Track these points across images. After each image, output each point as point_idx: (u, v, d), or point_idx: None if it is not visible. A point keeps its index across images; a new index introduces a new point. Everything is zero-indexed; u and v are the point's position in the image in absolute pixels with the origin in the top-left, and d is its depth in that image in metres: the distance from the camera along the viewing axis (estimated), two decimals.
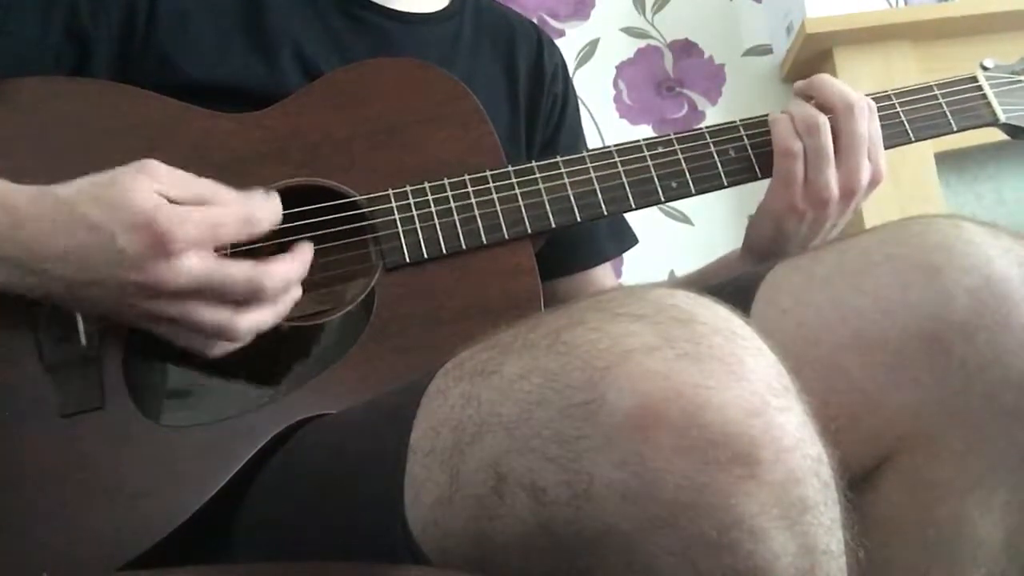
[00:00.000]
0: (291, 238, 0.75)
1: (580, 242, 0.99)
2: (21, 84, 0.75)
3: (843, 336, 0.62)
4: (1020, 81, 0.91)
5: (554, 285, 0.99)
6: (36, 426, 0.67)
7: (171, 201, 0.64)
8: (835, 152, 0.80)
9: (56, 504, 0.65)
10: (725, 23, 1.71)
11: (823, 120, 0.80)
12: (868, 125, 0.80)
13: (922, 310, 0.60)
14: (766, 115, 0.85)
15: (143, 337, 0.71)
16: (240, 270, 0.65)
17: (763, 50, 1.70)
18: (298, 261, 0.69)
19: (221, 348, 0.68)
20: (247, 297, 0.66)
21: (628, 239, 1.06)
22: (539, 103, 1.00)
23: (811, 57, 1.59)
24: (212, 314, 0.65)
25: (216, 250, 0.66)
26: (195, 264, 0.63)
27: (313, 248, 0.71)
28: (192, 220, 0.63)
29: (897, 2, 1.60)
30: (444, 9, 0.96)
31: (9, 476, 0.65)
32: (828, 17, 1.52)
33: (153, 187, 0.64)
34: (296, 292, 0.70)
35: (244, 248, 0.71)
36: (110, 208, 0.63)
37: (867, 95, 0.86)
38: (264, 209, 0.68)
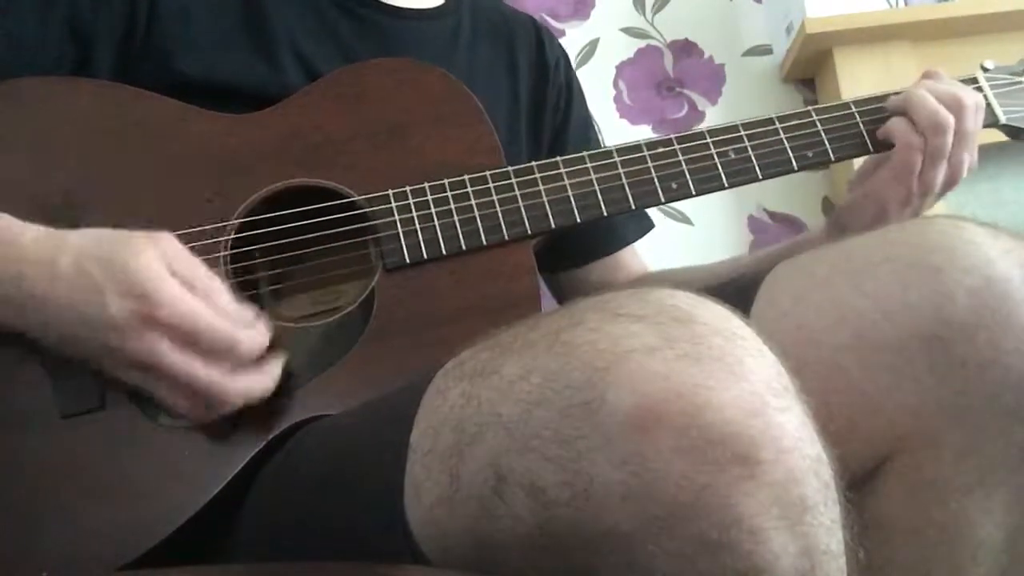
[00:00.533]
0: (290, 239, 0.75)
1: (603, 229, 1.02)
2: (22, 84, 0.76)
3: (843, 336, 0.62)
4: (1020, 82, 0.91)
5: (587, 271, 1.04)
6: (37, 427, 0.67)
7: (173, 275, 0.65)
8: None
9: (56, 504, 0.65)
10: (725, 23, 1.71)
11: (951, 122, 0.82)
12: (977, 122, 0.84)
13: (922, 310, 0.60)
14: (768, 116, 0.85)
15: None
16: (203, 376, 0.65)
17: (763, 50, 1.70)
18: (266, 376, 0.68)
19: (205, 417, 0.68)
20: (206, 400, 0.66)
21: (647, 223, 1.09)
22: (544, 96, 1.01)
23: (811, 57, 1.59)
24: (177, 400, 0.66)
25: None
26: (166, 351, 0.63)
27: (283, 363, 0.69)
28: (182, 308, 0.63)
29: (897, 2, 1.59)
30: (442, 5, 0.96)
31: (9, 477, 0.65)
32: (828, 17, 1.52)
33: (161, 261, 0.64)
34: (275, 372, 0.69)
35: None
36: (112, 270, 0.63)
37: (868, 95, 0.86)
38: (249, 342, 0.66)
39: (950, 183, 0.84)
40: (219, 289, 0.67)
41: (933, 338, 0.60)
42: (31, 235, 0.66)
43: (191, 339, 0.64)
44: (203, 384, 0.65)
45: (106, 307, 0.63)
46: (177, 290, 0.64)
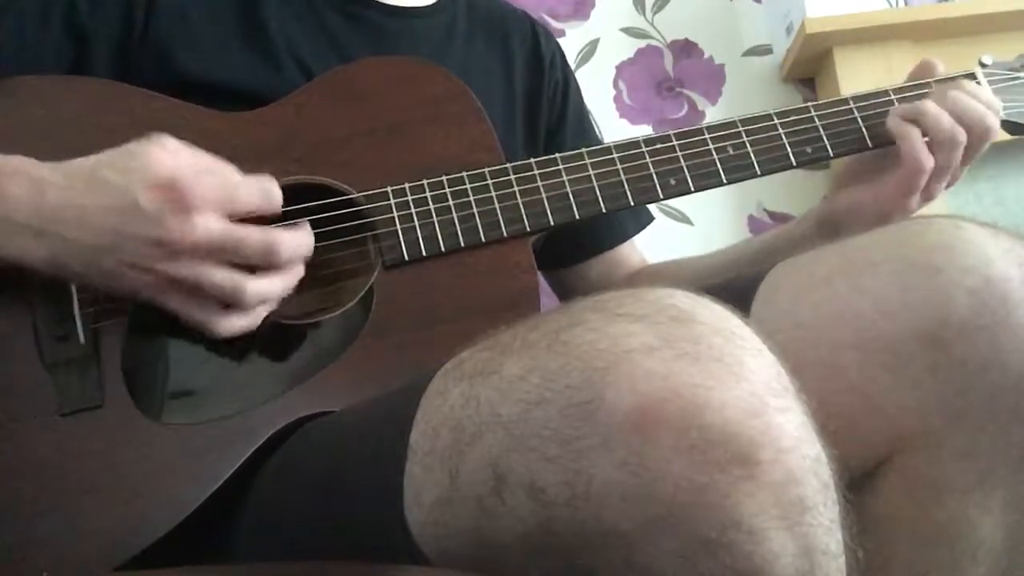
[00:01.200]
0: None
1: (602, 224, 1.02)
2: (20, 83, 0.76)
3: (843, 336, 0.62)
4: (1019, 78, 0.91)
5: (587, 266, 1.04)
6: (35, 425, 0.67)
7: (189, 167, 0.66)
8: None
9: (55, 503, 0.65)
10: (725, 23, 1.71)
11: (963, 138, 0.81)
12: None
13: (922, 310, 0.60)
14: (766, 112, 0.85)
15: (143, 335, 0.71)
16: (256, 232, 0.66)
17: (763, 50, 1.70)
18: (305, 233, 0.70)
19: (228, 324, 0.68)
20: (260, 261, 0.67)
21: (646, 217, 1.09)
22: (540, 92, 1.01)
23: (811, 57, 1.59)
24: (224, 276, 0.66)
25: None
26: (212, 222, 0.64)
27: (310, 227, 0.71)
28: (209, 182, 0.65)
29: (897, 2, 1.59)
30: (437, 3, 0.96)
31: (8, 475, 0.65)
32: (828, 17, 1.52)
33: (171, 156, 0.66)
34: (300, 270, 0.70)
35: None
36: (130, 171, 0.65)
37: (866, 91, 0.86)
38: (275, 187, 0.69)
39: (948, 188, 0.86)
40: (225, 164, 0.68)
41: (933, 338, 0.60)
42: (45, 165, 0.67)
43: (229, 204, 0.66)
44: (256, 240, 0.66)
45: (138, 204, 0.63)
46: (197, 171, 0.65)
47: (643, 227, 1.08)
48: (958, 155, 0.82)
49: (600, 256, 1.05)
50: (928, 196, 0.84)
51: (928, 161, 0.81)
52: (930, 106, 0.82)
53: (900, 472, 0.62)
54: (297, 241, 0.69)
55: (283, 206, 0.75)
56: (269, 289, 0.68)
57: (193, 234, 0.64)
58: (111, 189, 0.64)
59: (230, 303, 0.67)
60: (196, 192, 0.64)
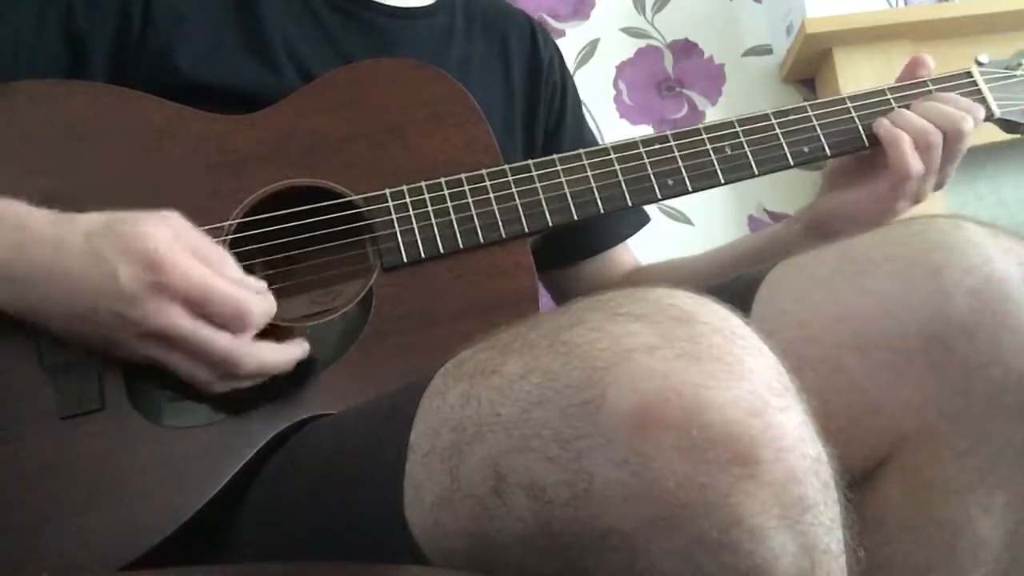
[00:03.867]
0: (288, 240, 0.75)
1: (598, 225, 1.02)
2: (18, 87, 0.75)
3: (843, 336, 0.62)
4: (1015, 76, 0.91)
5: (580, 268, 1.04)
6: (36, 428, 0.67)
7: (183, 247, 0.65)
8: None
9: (56, 505, 0.65)
10: (725, 23, 1.71)
11: (940, 139, 0.82)
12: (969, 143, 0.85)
13: (923, 310, 0.60)
14: (763, 112, 0.85)
15: None
16: (220, 342, 0.65)
17: (763, 50, 1.70)
18: (283, 354, 0.69)
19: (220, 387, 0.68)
20: (222, 369, 0.66)
21: (642, 219, 1.09)
22: (538, 93, 1.01)
23: (811, 57, 1.59)
24: (189, 368, 0.66)
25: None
26: (181, 318, 0.64)
27: (307, 349, 0.70)
28: (194, 276, 0.64)
29: (897, 2, 1.60)
30: (435, 3, 0.96)
31: (9, 478, 0.65)
32: (828, 17, 1.52)
33: (169, 232, 0.65)
34: (273, 373, 0.69)
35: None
36: (122, 241, 0.64)
37: (863, 91, 0.86)
38: (260, 307, 0.67)
39: (935, 191, 0.86)
40: (227, 258, 0.67)
41: (933, 337, 0.60)
42: (38, 215, 0.66)
43: (203, 304, 0.64)
44: (218, 349, 0.65)
45: (117, 277, 0.63)
46: (187, 257, 0.64)
47: (639, 228, 1.08)
48: (939, 154, 0.83)
49: (594, 258, 1.05)
50: (916, 199, 0.85)
51: (916, 166, 0.82)
52: (907, 113, 0.84)
53: (900, 472, 0.62)
54: (260, 361, 0.67)
55: (281, 209, 0.75)
56: (231, 387, 0.68)
57: (159, 321, 0.63)
58: (99, 258, 0.63)
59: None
60: (176, 280, 0.63)
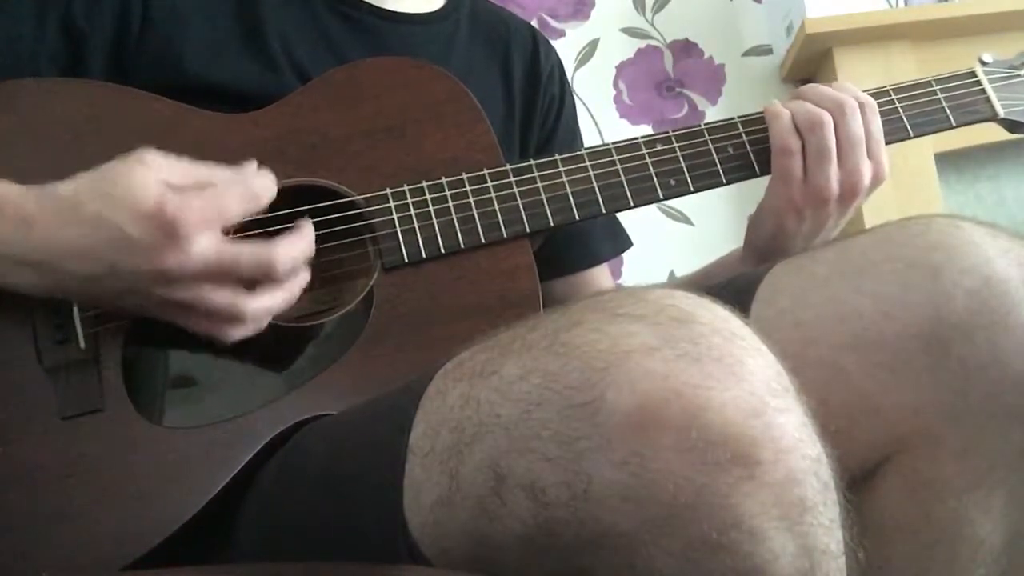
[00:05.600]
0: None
1: (575, 243, 0.99)
2: (17, 85, 0.75)
3: (842, 336, 0.62)
4: (1019, 76, 0.91)
5: (551, 286, 0.99)
6: (36, 428, 0.67)
7: (172, 188, 0.64)
8: (837, 150, 0.79)
9: (56, 506, 0.65)
10: (725, 23, 1.71)
11: (827, 118, 0.79)
12: (867, 123, 0.80)
13: (921, 310, 0.60)
14: (763, 111, 0.85)
15: (142, 339, 0.71)
16: (250, 249, 0.65)
17: (763, 50, 1.70)
18: (304, 239, 0.69)
19: (237, 332, 0.68)
20: (258, 277, 0.66)
21: (623, 241, 1.06)
22: (535, 104, 1.00)
23: (811, 57, 1.59)
24: (224, 297, 0.65)
25: (224, 232, 0.66)
26: (205, 246, 0.63)
27: (313, 227, 0.70)
28: (197, 203, 0.64)
29: (897, 2, 1.60)
30: (439, 10, 0.96)
31: (9, 478, 0.65)
32: (828, 17, 1.52)
33: (153, 176, 0.64)
34: (304, 275, 0.70)
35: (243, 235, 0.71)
36: (114, 200, 0.63)
37: (865, 91, 0.86)
38: (261, 184, 0.68)
39: (851, 193, 0.80)
40: (209, 169, 0.67)
41: (932, 338, 0.60)
42: (29, 195, 0.65)
43: (218, 218, 0.64)
44: (251, 256, 0.65)
45: (128, 236, 0.62)
46: (184, 194, 0.64)
47: (620, 251, 1.05)
48: (827, 134, 0.78)
49: (572, 276, 1.01)
50: (816, 194, 0.79)
51: (792, 140, 0.79)
52: (798, 92, 0.83)
53: (900, 472, 0.62)
54: (293, 250, 0.67)
55: (282, 208, 0.75)
56: (268, 305, 0.67)
57: (188, 263, 0.63)
58: (99, 222, 0.63)
59: (231, 321, 0.67)
60: (186, 217, 0.62)
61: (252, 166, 0.69)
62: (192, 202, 0.63)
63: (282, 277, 0.67)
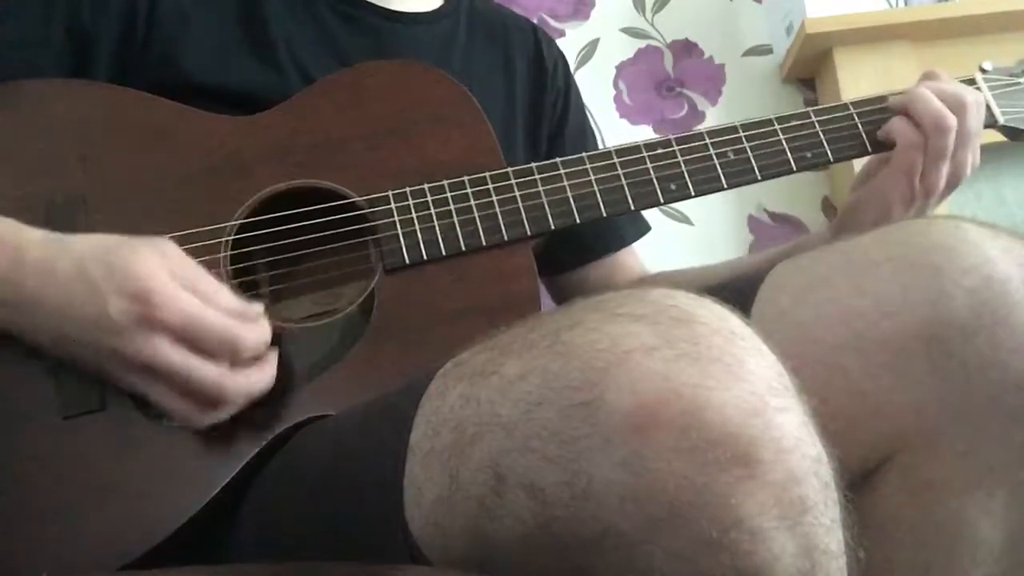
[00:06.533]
0: (290, 240, 0.75)
1: (604, 230, 1.02)
2: (23, 87, 0.76)
3: (843, 336, 0.62)
4: (1019, 83, 0.91)
5: (586, 272, 1.04)
6: (37, 428, 0.67)
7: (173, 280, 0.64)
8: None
9: (57, 505, 0.65)
10: (725, 23, 1.71)
11: (953, 122, 0.81)
12: (977, 122, 0.83)
13: (922, 310, 0.60)
14: (767, 117, 0.85)
15: None
16: (206, 374, 0.64)
17: (763, 50, 1.70)
18: (266, 373, 0.68)
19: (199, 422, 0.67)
20: (208, 401, 0.66)
21: (643, 225, 1.09)
22: (542, 99, 1.01)
23: (811, 57, 1.59)
24: (174, 402, 0.65)
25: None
26: (167, 351, 0.63)
27: (276, 357, 0.69)
28: (182, 308, 0.63)
29: (897, 2, 1.59)
30: (439, 8, 0.96)
31: (10, 477, 0.65)
32: (828, 17, 1.52)
33: (161, 264, 0.64)
34: (264, 390, 0.69)
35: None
36: (112, 271, 0.64)
37: (865, 97, 0.86)
38: (252, 337, 0.66)
39: (953, 184, 0.84)
40: (220, 289, 0.67)
41: (933, 338, 0.60)
42: (32, 237, 0.67)
43: (192, 338, 0.64)
44: (204, 382, 0.64)
45: (105, 308, 0.63)
46: (177, 290, 0.64)
47: (641, 235, 1.08)
48: (950, 138, 0.81)
49: (600, 261, 1.04)
50: (928, 188, 0.83)
51: (918, 139, 0.81)
52: (916, 91, 0.84)
53: (900, 472, 0.62)
54: (247, 386, 0.66)
55: (283, 209, 0.75)
56: (217, 418, 0.67)
57: (145, 354, 0.63)
58: (90, 287, 0.64)
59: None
60: (162, 315, 0.62)
61: (257, 309, 0.68)
62: (179, 303, 0.63)
63: (229, 405, 0.66)
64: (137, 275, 0.63)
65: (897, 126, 0.83)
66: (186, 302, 0.64)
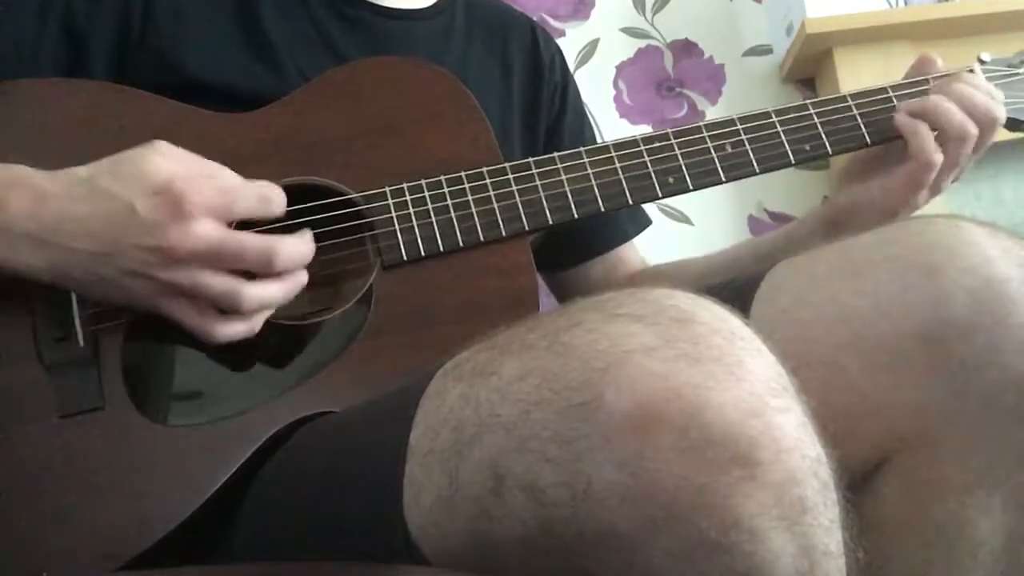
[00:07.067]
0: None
1: (604, 225, 1.02)
2: (18, 86, 0.76)
3: (842, 336, 0.62)
4: (1018, 74, 0.91)
5: (588, 268, 1.04)
6: (36, 427, 0.67)
7: (183, 173, 0.65)
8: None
9: (56, 504, 0.65)
10: (725, 23, 1.71)
11: (976, 131, 0.81)
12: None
13: (921, 310, 0.60)
14: (764, 110, 0.85)
15: (142, 337, 0.71)
16: (253, 240, 0.66)
17: (763, 50, 1.70)
18: (306, 243, 0.70)
19: (225, 329, 0.67)
20: (258, 268, 0.67)
21: (644, 219, 1.09)
22: (540, 94, 1.01)
23: (811, 57, 1.59)
24: (222, 283, 0.66)
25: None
26: (210, 229, 0.64)
27: (313, 237, 0.71)
28: (207, 188, 0.65)
29: (897, 2, 1.59)
30: (435, 5, 0.96)
31: (9, 476, 0.65)
32: (828, 17, 1.52)
33: (166, 160, 0.66)
34: (303, 277, 0.70)
35: None
36: (127, 178, 0.65)
37: (864, 89, 0.86)
38: (274, 192, 0.69)
39: (955, 180, 0.85)
40: (218, 166, 0.68)
41: (932, 338, 0.60)
42: (42, 173, 0.67)
43: (228, 208, 0.66)
44: (255, 246, 0.66)
45: (136, 211, 0.64)
46: (194, 173, 0.65)
47: (641, 229, 1.08)
48: (968, 149, 0.82)
49: (601, 257, 1.04)
50: (935, 191, 0.84)
51: (938, 157, 0.81)
52: (939, 100, 0.82)
53: (900, 472, 0.62)
54: (296, 248, 0.68)
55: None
56: (267, 296, 0.68)
57: (190, 241, 0.64)
58: (109, 197, 0.64)
59: (227, 309, 0.67)
60: (193, 198, 0.64)
61: (262, 181, 0.70)
62: (201, 186, 0.65)
63: (281, 271, 0.67)
64: (154, 172, 0.65)
65: (921, 140, 0.81)
66: (205, 180, 0.65)
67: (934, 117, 0.82)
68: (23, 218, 0.65)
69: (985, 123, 0.82)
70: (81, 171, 0.67)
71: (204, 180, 0.65)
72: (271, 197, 0.68)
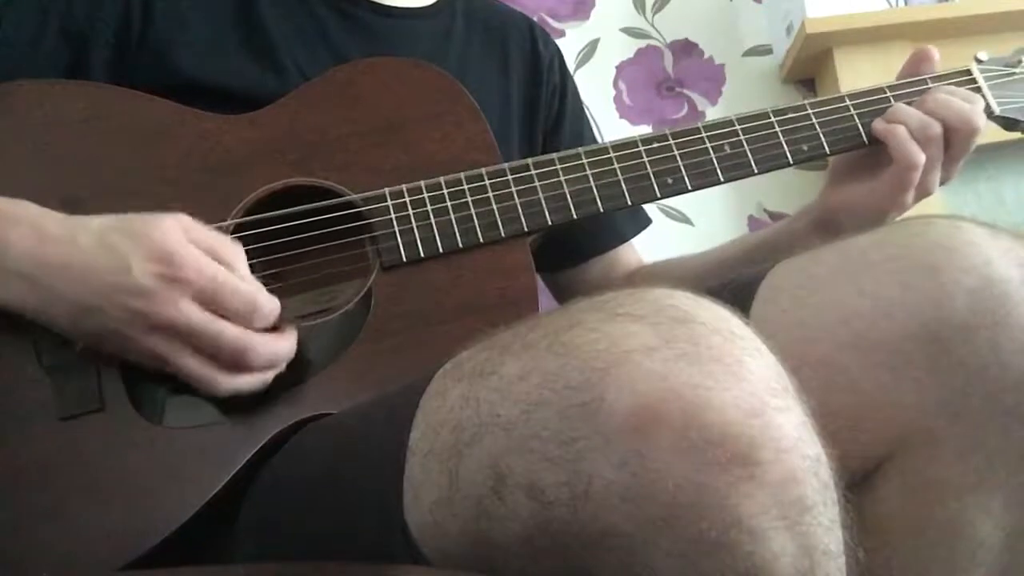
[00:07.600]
0: (287, 239, 0.75)
1: (604, 226, 1.03)
2: (18, 87, 0.76)
3: (843, 336, 0.62)
4: (1014, 73, 0.91)
5: (586, 268, 1.04)
6: (36, 429, 0.67)
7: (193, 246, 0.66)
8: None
9: (56, 505, 0.65)
10: (725, 23, 1.71)
11: (941, 130, 0.82)
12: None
13: (922, 310, 0.60)
14: (763, 110, 0.85)
15: None
16: (232, 332, 0.65)
17: (763, 50, 1.70)
18: (287, 342, 0.69)
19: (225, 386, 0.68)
20: (232, 362, 0.66)
21: (644, 220, 1.09)
22: (539, 94, 1.01)
23: (811, 57, 1.59)
24: (197, 366, 0.66)
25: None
26: (193, 310, 0.64)
27: (297, 334, 0.70)
28: (205, 271, 0.65)
29: (897, 2, 1.59)
30: (434, 4, 0.96)
31: (9, 478, 0.65)
32: (828, 17, 1.52)
33: (182, 229, 0.66)
34: (281, 367, 0.69)
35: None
36: (134, 237, 0.65)
37: (862, 89, 0.86)
38: (269, 303, 0.67)
39: (943, 184, 0.85)
40: (239, 255, 0.68)
41: (932, 338, 0.60)
42: (53, 216, 0.67)
43: (215, 298, 0.65)
44: (229, 338, 0.65)
45: (131, 272, 0.64)
46: (199, 253, 0.65)
47: (641, 230, 1.08)
48: (941, 145, 0.82)
49: (599, 258, 1.04)
50: (923, 191, 0.84)
51: (919, 155, 0.81)
52: (899, 106, 0.84)
53: (900, 472, 0.62)
54: (273, 347, 0.68)
55: (280, 208, 0.75)
56: (240, 387, 0.67)
57: (172, 317, 0.64)
58: (112, 253, 0.65)
59: (196, 387, 0.67)
60: (187, 275, 0.64)
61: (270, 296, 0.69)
62: (201, 265, 0.65)
63: (255, 369, 0.67)
64: (160, 239, 0.65)
65: (903, 145, 0.82)
66: (208, 263, 0.65)
67: (903, 120, 0.83)
68: (21, 256, 0.65)
69: (958, 124, 0.82)
70: (95, 221, 0.67)
71: (206, 262, 0.65)
72: (260, 309, 0.67)
